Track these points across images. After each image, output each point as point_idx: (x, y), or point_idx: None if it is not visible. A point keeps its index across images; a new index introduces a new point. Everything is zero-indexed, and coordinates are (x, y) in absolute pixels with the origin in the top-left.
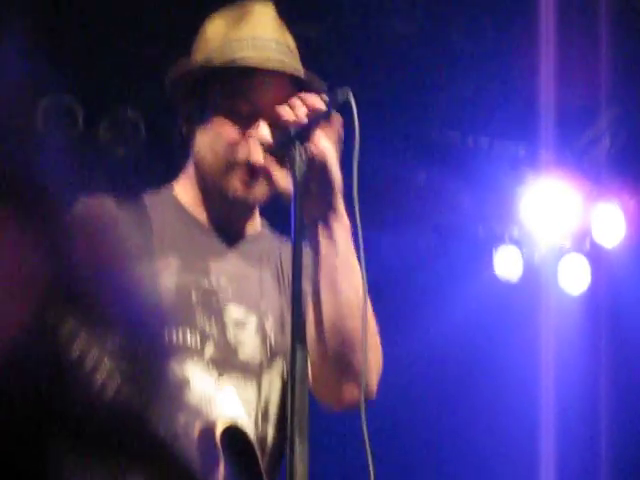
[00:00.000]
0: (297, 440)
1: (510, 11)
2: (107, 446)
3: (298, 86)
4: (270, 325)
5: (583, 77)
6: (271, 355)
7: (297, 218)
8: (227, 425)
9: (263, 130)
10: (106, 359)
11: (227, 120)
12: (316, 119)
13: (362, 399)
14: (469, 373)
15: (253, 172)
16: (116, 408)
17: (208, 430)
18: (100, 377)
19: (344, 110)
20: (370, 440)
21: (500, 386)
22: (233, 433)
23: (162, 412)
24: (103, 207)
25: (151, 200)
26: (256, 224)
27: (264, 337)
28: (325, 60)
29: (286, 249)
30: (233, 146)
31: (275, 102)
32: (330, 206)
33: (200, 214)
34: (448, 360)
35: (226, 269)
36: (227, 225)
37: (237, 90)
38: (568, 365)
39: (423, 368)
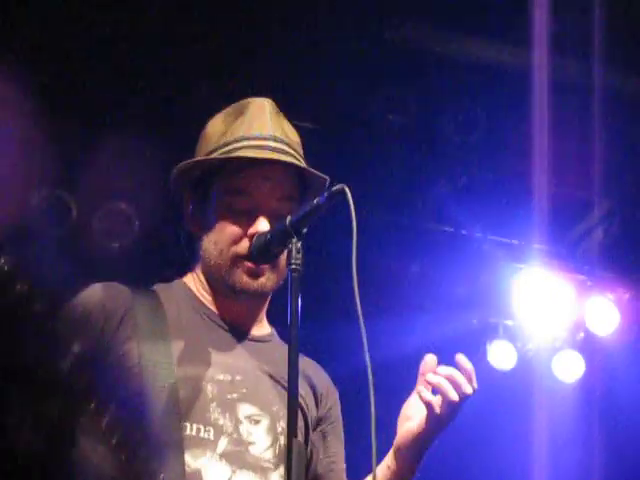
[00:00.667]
0: None
1: (503, 104)
2: None
3: (299, 181)
4: (282, 428)
5: (576, 170)
6: (280, 456)
7: (293, 310)
8: None
9: (262, 226)
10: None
11: (228, 217)
12: (312, 211)
13: None
14: (463, 459)
15: (254, 258)
16: None
17: None
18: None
19: (341, 205)
20: None
21: (495, 472)
22: None
23: None
24: (117, 292)
25: (164, 290)
26: (266, 326)
27: (275, 438)
28: (319, 153)
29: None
30: (236, 242)
31: (273, 195)
32: None
33: (214, 308)
34: (442, 449)
35: (241, 367)
36: (238, 323)
37: (235, 186)
38: (562, 453)
39: None
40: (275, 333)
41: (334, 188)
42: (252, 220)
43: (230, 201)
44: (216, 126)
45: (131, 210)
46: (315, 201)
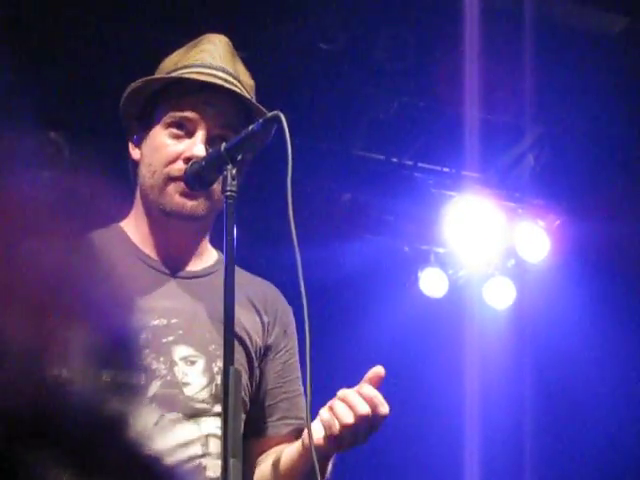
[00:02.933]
0: (231, 461)
1: (434, 31)
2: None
3: (245, 116)
4: (218, 368)
5: (507, 97)
6: (216, 396)
7: (228, 238)
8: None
9: (198, 150)
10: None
11: (166, 140)
12: (247, 137)
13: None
14: (394, 386)
15: (189, 185)
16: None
17: (151, 460)
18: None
19: (276, 132)
20: None
21: (426, 399)
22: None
23: (97, 445)
24: (46, 243)
25: (99, 237)
26: (209, 257)
27: (212, 378)
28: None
29: (246, 283)
30: (170, 163)
31: (214, 122)
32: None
33: (149, 249)
34: None
35: (177, 308)
36: (175, 261)
37: (177, 109)
38: (493, 380)
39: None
40: (221, 258)
41: (269, 114)
42: (190, 144)
43: (170, 123)
44: (171, 57)
45: (60, 138)
46: (250, 127)
